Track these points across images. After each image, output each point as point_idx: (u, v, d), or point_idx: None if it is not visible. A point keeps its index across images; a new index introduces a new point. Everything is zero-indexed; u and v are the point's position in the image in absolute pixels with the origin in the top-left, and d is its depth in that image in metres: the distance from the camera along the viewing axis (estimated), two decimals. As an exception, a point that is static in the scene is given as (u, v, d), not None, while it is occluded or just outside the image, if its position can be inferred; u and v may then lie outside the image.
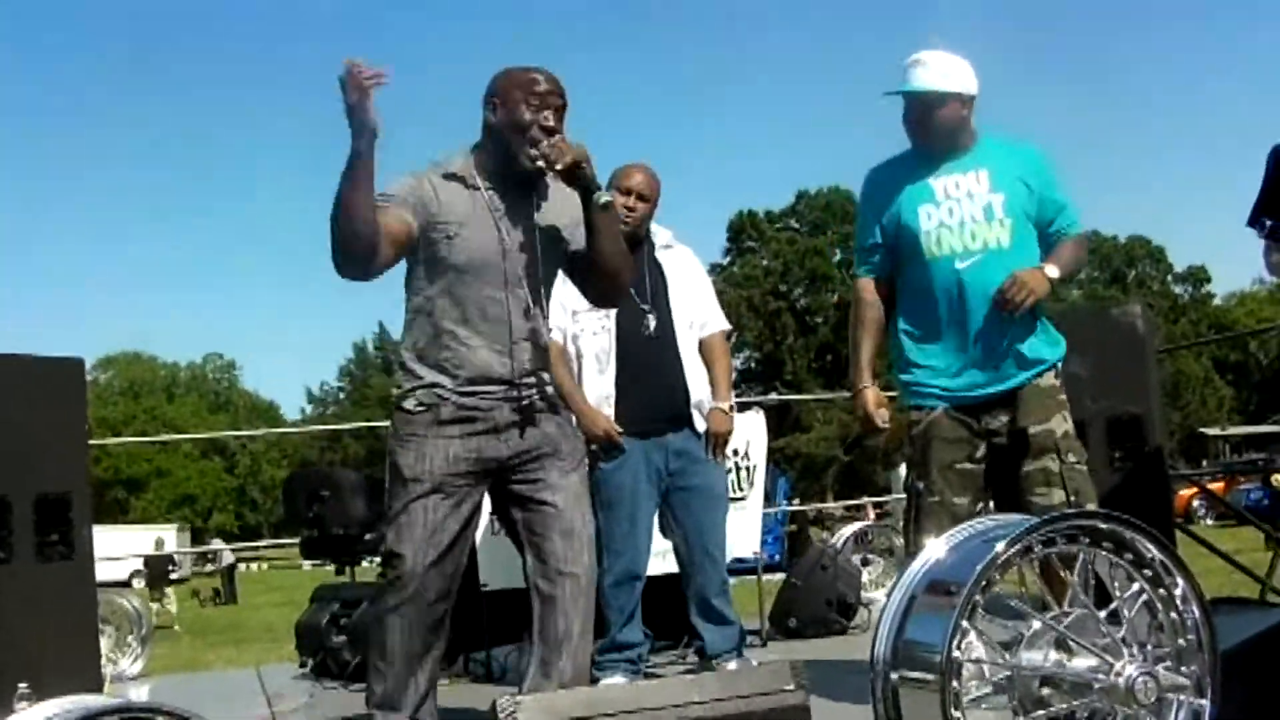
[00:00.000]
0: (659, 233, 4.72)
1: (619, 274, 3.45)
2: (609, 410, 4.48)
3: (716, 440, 4.59)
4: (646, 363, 4.51)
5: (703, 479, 4.58)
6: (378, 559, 3.87)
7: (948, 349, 3.82)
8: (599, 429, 4.43)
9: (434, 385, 3.29)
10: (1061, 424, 3.75)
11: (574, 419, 4.53)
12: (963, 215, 3.80)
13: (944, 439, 3.80)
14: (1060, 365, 3.85)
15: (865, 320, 3.96)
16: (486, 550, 5.17)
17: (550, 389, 3.44)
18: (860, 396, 3.90)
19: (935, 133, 3.86)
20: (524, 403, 3.32)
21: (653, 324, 4.52)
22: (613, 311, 4.46)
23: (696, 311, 4.68)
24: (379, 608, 3.35)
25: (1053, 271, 3.75)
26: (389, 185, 3.28)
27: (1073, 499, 3.62)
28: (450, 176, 3.34)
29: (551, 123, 3.29)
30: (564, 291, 4.52)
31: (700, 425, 4.56)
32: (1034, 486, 3.70)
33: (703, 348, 4.66)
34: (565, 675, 3.22)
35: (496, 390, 3.30)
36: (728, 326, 4.82)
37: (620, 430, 4.45)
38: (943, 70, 3.82)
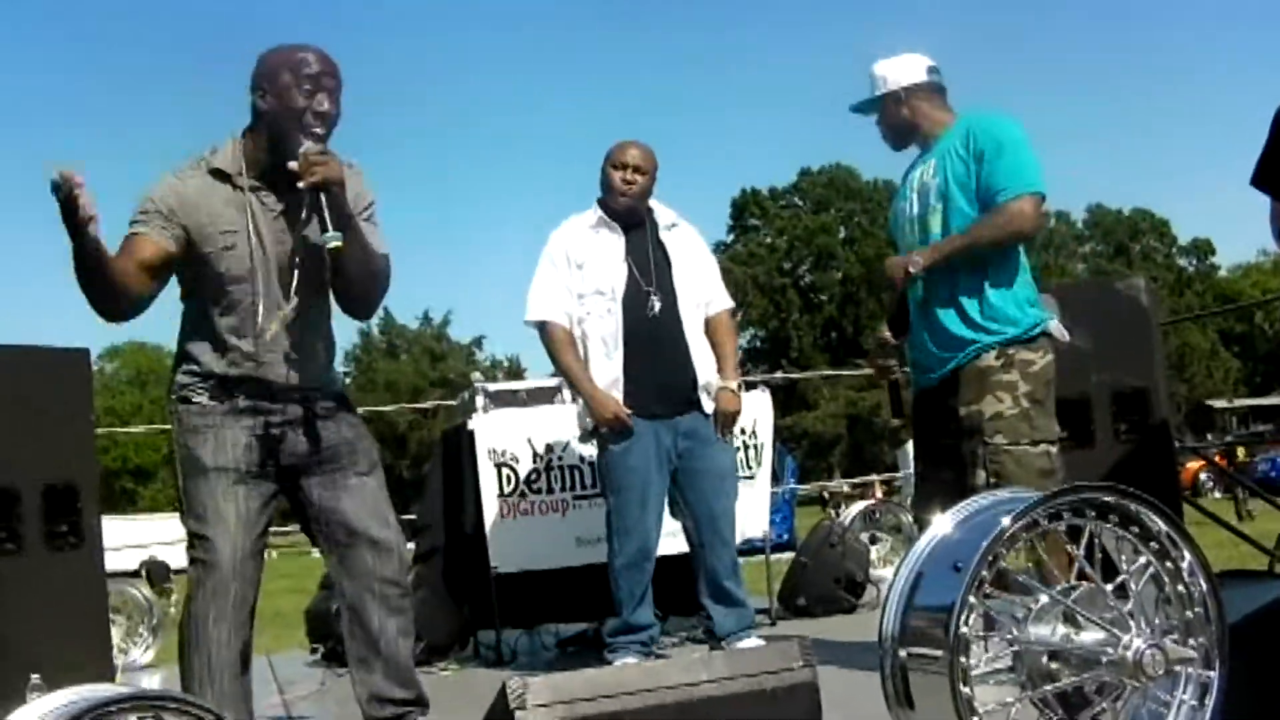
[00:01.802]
0: (663, 212, 4.70)
1: (367, 296, 3.31)
2: (618, 394, 4.47)
3: (725, 420, 4.57)
4: (652, 344, 4.50)
5: (712, 460, 4.56)
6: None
7: (916, 335, 3.99)
8: (609, 412, 4.43)
9: (224, 380, 3.16)
10: (994, 404, 3.68)
11: (581, 401, 4.55)
12: (918, 209, 3.93)
13: (921, 417, 3.99)
14: (1012, 344, 3.71)
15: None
16: (497, 533, 5.18)
17: (339, 387, 3.39)
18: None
19: (887, 136, 4.07)
20: (314, 410, 3.24)
21: (658, 305, 4.51)
22: (619, 294, 4.48)
23: (702, 291, 4.67)
24: (194, 605, 3.09)
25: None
26: (150, 192, 3.11)
27: (991, 480, 3.59)
28: (218, 174, 3.15)
29: (326, 107, 3.10)
30: (569, 275, 4.53)
31: (708, 406, 4.54)
32: (969, 466, 3.73)
33: (709, 327, 4.66)
34: (384, 665, 3.24)
35: (290, 395, 3.22)
36: (732, 305, 4.84)
37: (629, 412, 4.45)
38: (873, 78, 4.02)
